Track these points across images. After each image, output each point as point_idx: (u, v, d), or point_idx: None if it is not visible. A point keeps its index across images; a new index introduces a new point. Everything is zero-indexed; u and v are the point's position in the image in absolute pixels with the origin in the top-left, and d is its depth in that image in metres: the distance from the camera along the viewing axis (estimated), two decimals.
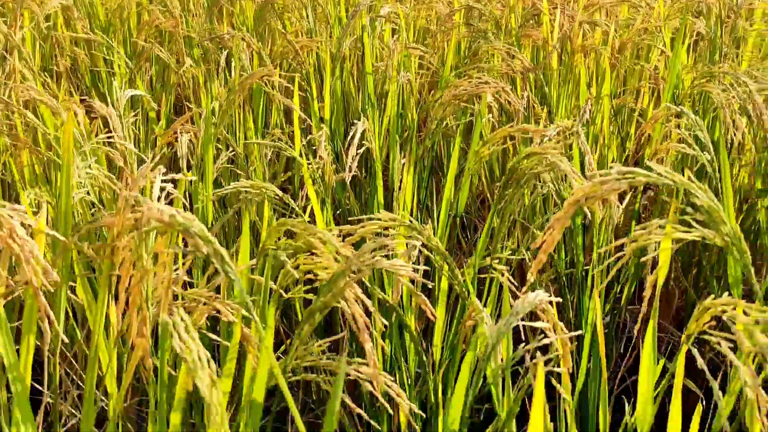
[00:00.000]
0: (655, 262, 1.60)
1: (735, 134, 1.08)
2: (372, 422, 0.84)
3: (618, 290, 1.31)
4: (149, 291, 0.69)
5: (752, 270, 0.58)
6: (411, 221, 0.79)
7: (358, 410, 0.70)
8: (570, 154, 0.90)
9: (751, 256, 1.28)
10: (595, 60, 1.36)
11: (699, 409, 0.78)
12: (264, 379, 0.63)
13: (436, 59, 1.49)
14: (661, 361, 0.85)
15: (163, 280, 0.58)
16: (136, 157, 1.00)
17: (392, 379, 0.67)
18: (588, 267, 1.00)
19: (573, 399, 1.00)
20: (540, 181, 0.95)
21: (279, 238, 0.77)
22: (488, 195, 1.55)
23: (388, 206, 1.23)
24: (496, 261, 0.84)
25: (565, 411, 0.84)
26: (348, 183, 1.29)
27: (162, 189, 0.75)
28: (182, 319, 0.51)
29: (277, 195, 0.89)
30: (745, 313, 0.57)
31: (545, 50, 1.40)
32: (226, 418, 0.46)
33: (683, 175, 1.33)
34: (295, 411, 0.54)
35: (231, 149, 1.23)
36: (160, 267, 0.55)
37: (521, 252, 1.02)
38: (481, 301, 0.94)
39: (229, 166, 1.26)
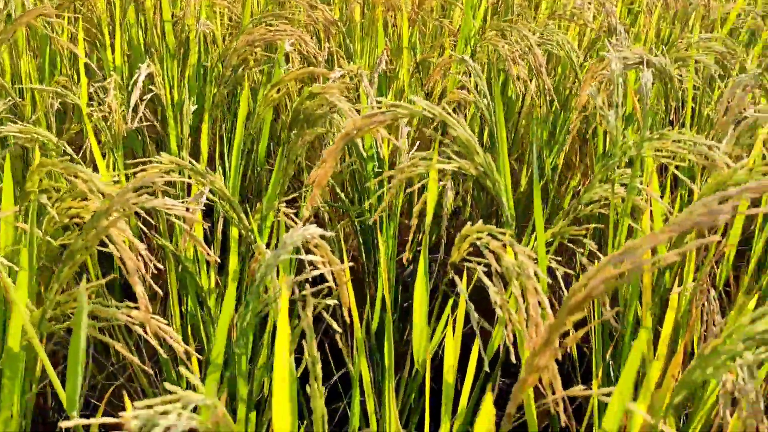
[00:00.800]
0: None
1: (519, 86, 1.15)
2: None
3: (419, 238, 1.36)
4: None
5: (504, 198, 0.61)
6: (192, 164, 0.76)
7: (133, 359, 0.68)
8: (357, 95, 0.91)
9: (542, 204, 1.36)
10: (399, 14, 1.38)
11: (477, 342, 0.83)
12: (18, 326, 0.59)
13: (240, 9, 1.45)
14: (451, 300, 0.89)
15: None
16: None
17: (167, 323, 0.65)
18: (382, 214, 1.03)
19: (369, 337, 1.03)
20: (333, 128, 0.96)
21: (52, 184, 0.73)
22: None
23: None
24: (284, 204, 0.84)
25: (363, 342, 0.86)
26: (146, 133, 1.24)
27: None
28: None
29: (51, 141, 0.84)
30: (496, 238, 0.61)
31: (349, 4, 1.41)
32: None
33: (481, 124, 1.39)
34: (47, 364, 0.51)
35: (11, 98, 1.14)
36: None
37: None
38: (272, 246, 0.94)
39: (9, 116, 1.17)
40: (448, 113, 0.61)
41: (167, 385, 0.38)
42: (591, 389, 0.87)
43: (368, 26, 1.34)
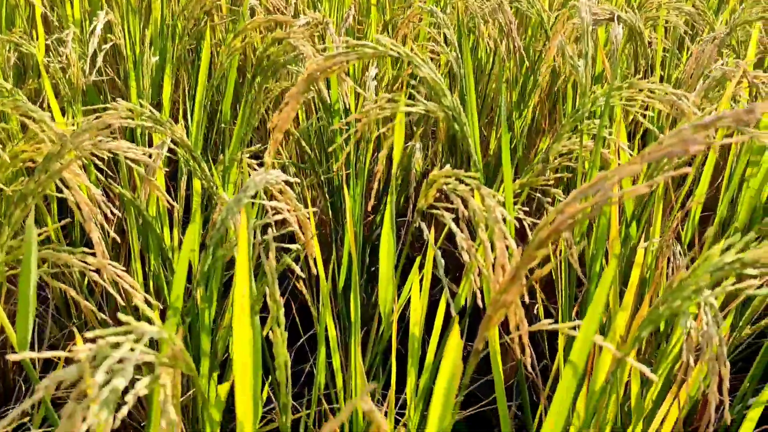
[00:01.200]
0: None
1: (489, 44, 1.13)
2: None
3: (386, 200, 1.34)
4: None
5: (471, 141, 0.60)
6: (151, 111, 0.74)
7: (87, 304, 0.66)
8: (323, 46, 0.89)
9: (511, 167, 1.35)
10: None
11: (445, 294, 0.82)
12: None
13: None
14: (418, 259, 0.88)
15: None
16: None
17: (124, 269, 0.63)
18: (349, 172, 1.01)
19: (336, 298, 1.02)
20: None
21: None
22: None
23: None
24: (248, 155, 0.82)
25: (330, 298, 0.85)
26: (108, 91, 1.20)
27: None
28: None
29: (5, 87, 0.80)
30: (465, 183, 0.60)
31: None
32: None
33: (451, 85, 1.37)
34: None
35: None
36: None
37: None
38: None
39: None
40: (416, 54, 0.59)
41: (120, 315, 0.36)
42: (558, 353, 0.86)
43: None
